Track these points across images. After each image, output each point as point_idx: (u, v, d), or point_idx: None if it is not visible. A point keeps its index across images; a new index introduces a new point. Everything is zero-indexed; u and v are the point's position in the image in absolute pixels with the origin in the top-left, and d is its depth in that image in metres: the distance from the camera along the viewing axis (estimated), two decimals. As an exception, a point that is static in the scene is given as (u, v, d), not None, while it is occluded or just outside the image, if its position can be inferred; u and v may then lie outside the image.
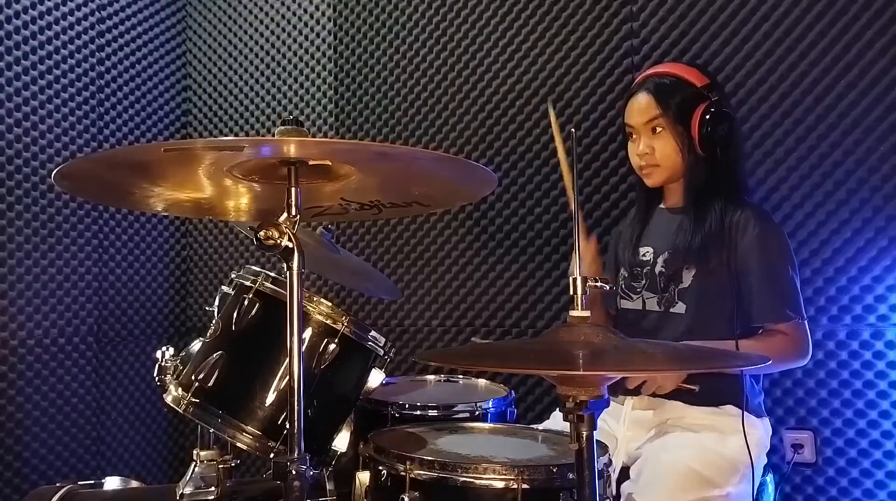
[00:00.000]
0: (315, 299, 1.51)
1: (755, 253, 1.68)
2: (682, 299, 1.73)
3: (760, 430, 1.68)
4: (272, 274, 1.53)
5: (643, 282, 1.81)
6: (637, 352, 1.09)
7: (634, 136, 1.81)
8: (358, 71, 2.80)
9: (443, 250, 2.62)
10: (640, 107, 1.77)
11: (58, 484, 1.65)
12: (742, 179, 1.85)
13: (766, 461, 1.69)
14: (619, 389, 1.71)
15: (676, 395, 1.65)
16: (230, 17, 3.11)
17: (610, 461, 1.32)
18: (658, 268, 1.78)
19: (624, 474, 1.63)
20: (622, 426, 1.73)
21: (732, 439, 1.60)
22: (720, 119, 1.72)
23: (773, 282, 1.68)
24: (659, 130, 1.75)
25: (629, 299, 1.84)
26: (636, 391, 1.70)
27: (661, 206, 1.88)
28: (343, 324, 1.50)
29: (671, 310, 1.74)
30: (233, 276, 1.60)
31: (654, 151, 1.76)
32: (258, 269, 1.55)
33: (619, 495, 1.54)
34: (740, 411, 1.66)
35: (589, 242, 1.92)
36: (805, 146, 2.07)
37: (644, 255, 1.83)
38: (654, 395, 1.66)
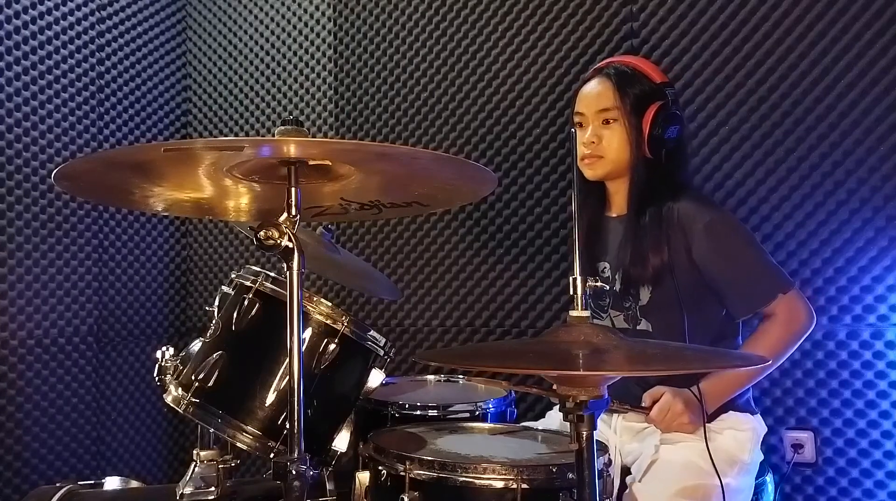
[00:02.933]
0: (315, 299, 1.51)
1: (708, 251, 1.62)
2: (646, 316, 1.69)
3: (753, 424, 1.67)
4: (272, 274, 1.52)
5: (608, 300, 1.75)
6: (637, 353, 1.09)
7: (583, 124, 1.73)
8: (358, 71, 2.80)
9: (443, 250, 2.62)
10: (597, 93, 1.71)
11: (58, 484, 1.65)
12: (686, 181, 1.79)
13: (762, 457, 1.69)
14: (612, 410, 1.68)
15: None
16: (230, 17, 3.11)
17: (610, 461, 1.32)
18: (618, 285, 1.72)
19: (624, 472, 1.63)
20: (614, 433, 1.72)
21: (726, 435, 1.61)
22: (672, 121, 1.68)
23: (736, 272, 1.64)
24: (611, 120, 1.69)
25: (599, 318, 1.78)
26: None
27: (608, 214, 1.81)
28: (343, 324, 1.50)
29: (638, 328, 1.70)
30: (233, 276, 1.60)
31: (601, 141, 1.69)
32: (258, 269, 1.55)
33: (623, 487, 1.54)
34: (731, 414, 1.65)
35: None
36: (805, 146, 2.07)
37: (603, 271, 1.77)
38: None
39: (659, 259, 1.63)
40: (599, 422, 1.69)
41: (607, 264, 1.77)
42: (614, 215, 1.80)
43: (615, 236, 1.76)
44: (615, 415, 1.72)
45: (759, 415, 1.72)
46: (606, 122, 1.70)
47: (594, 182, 1.78)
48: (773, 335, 1.64)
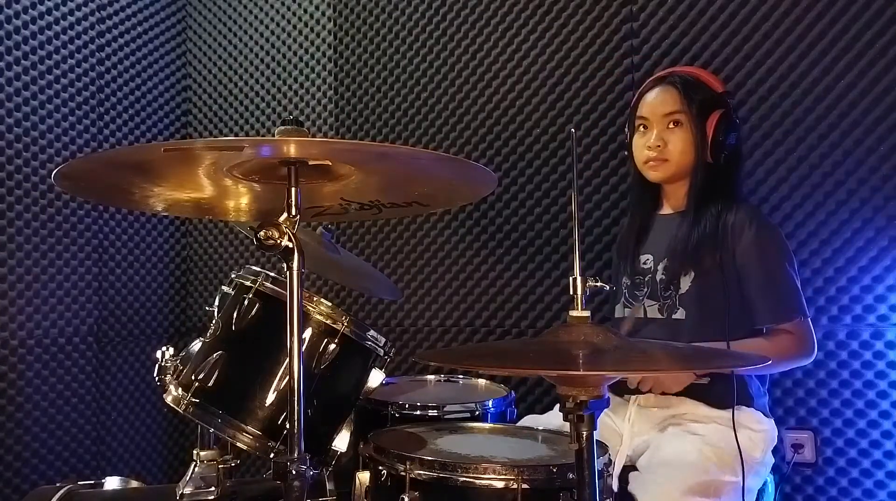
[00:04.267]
0: (315, 299, 1.51)
1: (753, 255, 1.68)
2: (682, 304, 1.73)
3: (767, 426, 1.69)
4: (272, 274, 1.52)
5: (645, 290, 1.80)
6: (637, 352, 1.09)
7: (646, 128, 1.80)
8: (358, 71, 2.80)
9: (443, 250, 2.62)
10: (663, 99, 1.77)
11: (58, 484, 1.65)
12: (740, 187, 1.86)
13: (773, 460, 1.70)
14: (623, 389, 1.71)
15: (685, 390, 1.66)
16: (230, 17, 3.11)
17: (610, 461, 1.32)
18: (659, 275, 1.78)
19: (631, 466, 1.63)
20: (627, 423, 1.73)
21: (740, 432, 1.60)
22: (732, 128, 1.75)
23: (772, 283, 1.68)
24: (677, 124, 1.75)
25: (631, 307, 1.83)
26: (639, 390, 1.70)
27: (660, 212, 1.88)
28: (343, 324, 1.50)
29: (673, 317, 1.74)
30: (233, 276, 1.60)
31: (666, 145, 1.75)
32: (258, 269, 1.55)
33: (627, 482, 1.54)
34: (747, 409, 1.67)
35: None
36: (805, 146, 2.07)
37: (645, 263, 1.82)
38: (662, 393, 1.67)
39: (710, 253, 1.69)
40: (612, 410, 1.72)
41: (650, 256, 1.82)
42: (666, 213, 1.86)
43: (664, 231, 1.81)
44: (631, 402, 1.73)
45: (772, 420, 1.74)
46: (672, 125, 1.76)
47: (651, 184, 1.85)
48: (784, 345, 1.68)
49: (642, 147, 1.79)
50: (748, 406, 1.68)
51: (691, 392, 1.67)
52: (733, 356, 1.36)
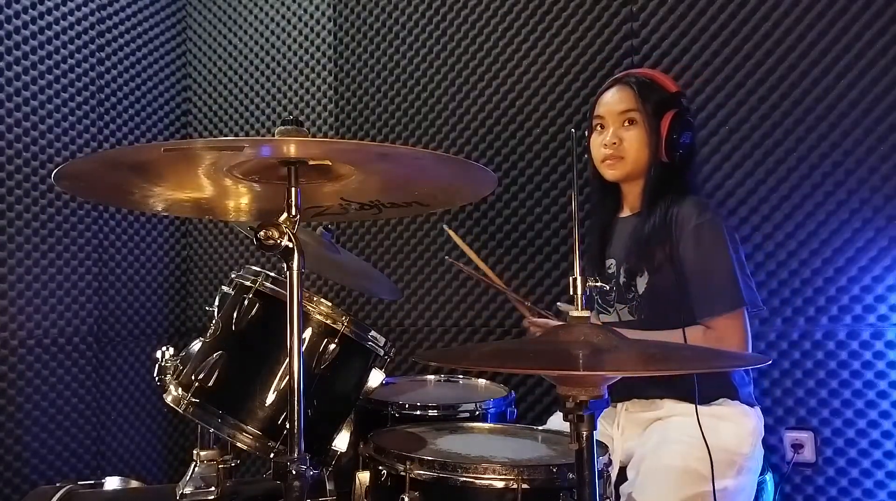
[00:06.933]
0: (315, 299, 1.51)
1: (690, 249, 1.67)
2: (641, 306, 1.74)
3: (753, 418, 1.68)
4: (272, 274, 1.52)
5: (613, 295, 1.81)
6: (637, 352, 1.09)
7: (602, 127, 1.81)
8: (358, 71, 2.80)
9: (443, 250, 2.62)
10: (619, 98, 1.78)
11: (58, 484, 1.65)
12: (692, 183, 1.85)
13: (763, 451, 1.69)
14: (612, 395, 1.70)
15: (665, 389, 1.66)
16: (230, 17, 3.11)
17: (610, 461, 1.32)
18: (621, 278, 1.79)
19: (621, 474, 1.63)
20: (616, 428, 1.73)
21: (726, 428, 1.60)
22: (686, 127, 1.76)
23: (705, 276, 1.66)
24: (632, 123, 1.76)
25: (606, 313, 1.84)
26: (628, 396, 1.70)
27: (621, 215, 1.88)
28: (343, 324, 1.50)
29: (642, 317, 1.74)
30: (233, 276, 1.60)
31: (622, 142, 1.76)
32: (258, 269, 1.55)
33: (618, 496, 1.54)
34: (734, 402, 1.66)
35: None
36: (805, 146, 2.07)
37: (609, 267, 1.84)
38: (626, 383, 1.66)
39: (660, 251, 1.69)
40: (603, 419, 1.72)
41: (613, 260, 1.83)
42: (625, 215, 1.86)
43: (624, 234, 1.82)
44: (619, 408, 1.73)
45: (758, 408, 1.73)
46: (627, 123, 1.77)
47: (611, 185, 1.85)
48: (716, 337, 1.63)
49: (599, 146, 1.80)
50: (732, 399, 1.67)
51: (672, 391, 1.66)
52: (733, 356, 1.36)
